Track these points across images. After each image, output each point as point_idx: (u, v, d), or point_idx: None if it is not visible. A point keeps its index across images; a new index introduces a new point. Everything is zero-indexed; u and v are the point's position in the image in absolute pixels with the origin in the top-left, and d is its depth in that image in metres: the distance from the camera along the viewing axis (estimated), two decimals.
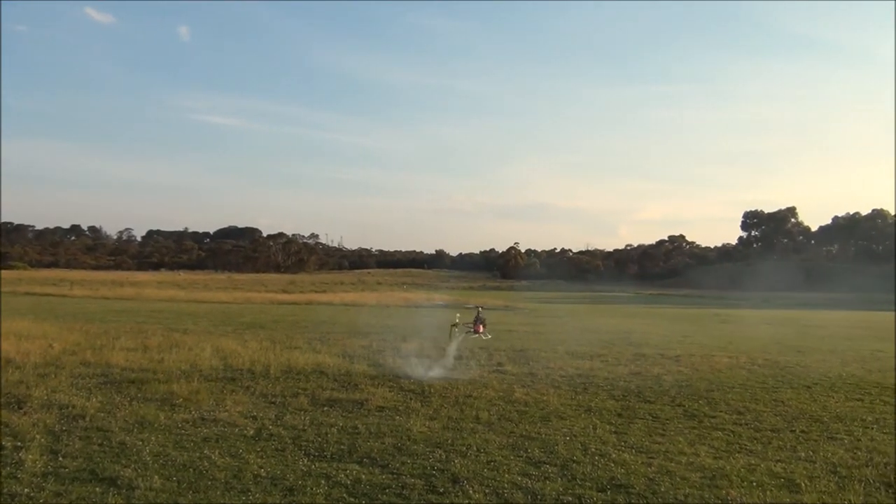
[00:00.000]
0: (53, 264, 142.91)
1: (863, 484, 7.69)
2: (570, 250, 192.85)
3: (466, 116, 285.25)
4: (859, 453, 9.10)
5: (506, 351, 19.29)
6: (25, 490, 6.92)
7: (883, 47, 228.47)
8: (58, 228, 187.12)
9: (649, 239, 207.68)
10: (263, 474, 7.59)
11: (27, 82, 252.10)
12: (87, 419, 9.90)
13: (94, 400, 11.18)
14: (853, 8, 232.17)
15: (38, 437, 8.85)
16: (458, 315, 18.27)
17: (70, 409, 10.50)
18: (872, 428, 10.71)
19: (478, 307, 17.54)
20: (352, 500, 6.91)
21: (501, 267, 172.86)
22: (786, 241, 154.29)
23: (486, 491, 7.23)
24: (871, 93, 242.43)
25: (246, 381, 13.49)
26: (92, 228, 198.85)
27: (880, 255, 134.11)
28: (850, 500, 7.17)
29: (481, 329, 16.66)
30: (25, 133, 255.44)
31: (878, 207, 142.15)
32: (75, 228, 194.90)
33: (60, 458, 7.98)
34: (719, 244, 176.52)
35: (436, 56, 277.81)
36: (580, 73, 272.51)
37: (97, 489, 7.00)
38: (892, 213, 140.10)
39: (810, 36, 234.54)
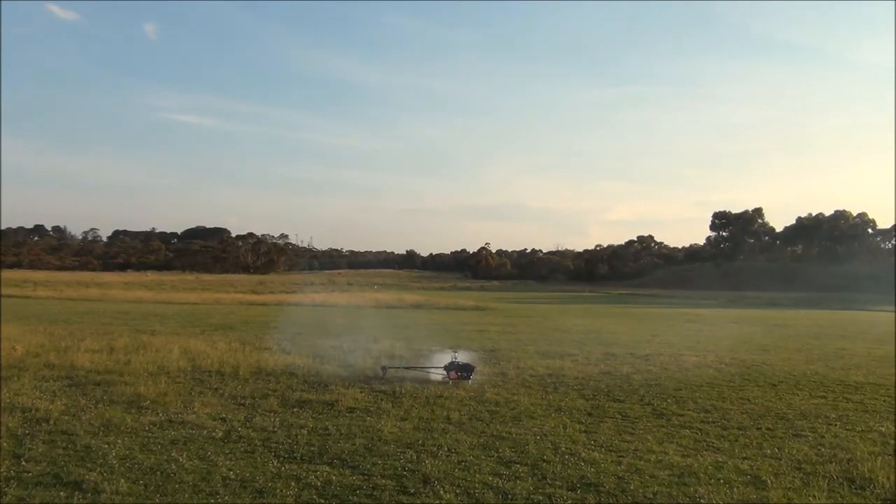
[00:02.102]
0: (16, 265, 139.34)
1: (826, 480, 7.84)
2: (540, 250, 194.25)
3: (442, 117, 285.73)
4: (823, 450, 9.28)
5: (476, 351, 19.35)
6: None
7: (854, 51, 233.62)
8: (21, 228, 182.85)
9: (619, 239, 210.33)
10: (232, 477, 7.50)
11: None
12: (52, 422, 9.70)
13: (59, 403, 10.96)
14: (827, 12, 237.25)
15: None
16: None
17: (33, 412, 10.28)
18: (836, 425, 10.93)
19: (454, 353, 14.74)
20: (322, 501, 6.87)
21: (472, 267, 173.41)
22: (752, 241, 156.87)
23: (458, 491, 7.23)
24: (841, 96, 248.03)
25: (214, 382, 13.34)
26: (56, 228, 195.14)
27: (842, 255, 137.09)
28: (814, 496, 7.30)
29: (455, 377, 14.70)
30: None
31: (841, 209, 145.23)
32: (39, 228, 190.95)
33: (23, 463, 7.81)
34: (687, 244, 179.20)
35: (410, 56, 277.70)
36: (556, 75, 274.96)
37: (62, 493, 6.86)
38: (854, 215, 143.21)
39: (785, 40, 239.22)
